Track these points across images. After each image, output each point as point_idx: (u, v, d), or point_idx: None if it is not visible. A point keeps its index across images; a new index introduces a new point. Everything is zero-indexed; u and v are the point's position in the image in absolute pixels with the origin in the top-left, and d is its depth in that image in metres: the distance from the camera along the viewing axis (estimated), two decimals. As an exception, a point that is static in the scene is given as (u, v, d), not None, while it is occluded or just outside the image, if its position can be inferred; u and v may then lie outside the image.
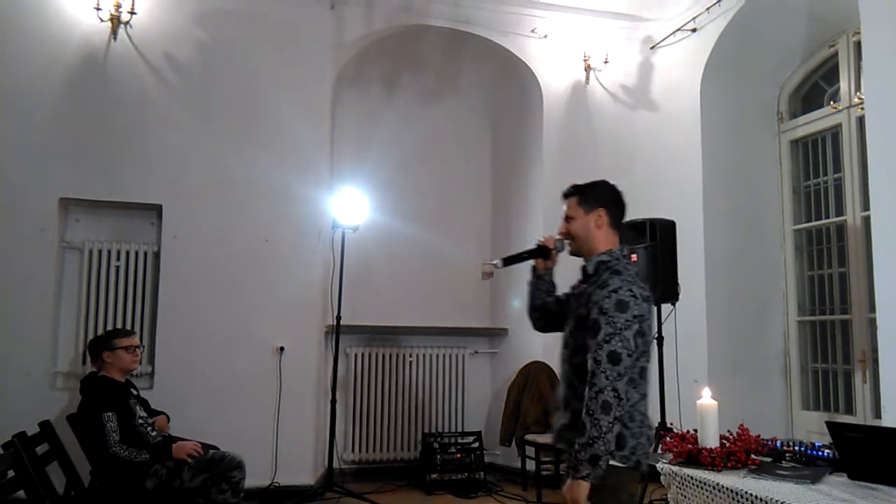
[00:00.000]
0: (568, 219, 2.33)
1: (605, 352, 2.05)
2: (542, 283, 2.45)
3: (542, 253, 2.41)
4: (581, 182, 2.37)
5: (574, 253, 2.35)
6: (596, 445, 2.01)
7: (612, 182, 2.37)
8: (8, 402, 4.26)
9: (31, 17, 4.60)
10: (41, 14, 4.62)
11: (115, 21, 4.65)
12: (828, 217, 5.02)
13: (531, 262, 2.45)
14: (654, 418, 5.03)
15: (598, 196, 2.31)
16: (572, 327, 2.24)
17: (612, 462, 2.08)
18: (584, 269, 2.32)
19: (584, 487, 2.02)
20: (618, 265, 2.22)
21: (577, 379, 2.18)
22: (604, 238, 2.28)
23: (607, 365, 2.04)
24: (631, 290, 2.11)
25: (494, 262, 2.37)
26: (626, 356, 2.05)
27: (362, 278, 5.41)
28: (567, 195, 2.35)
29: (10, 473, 3.18)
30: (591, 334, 2.10)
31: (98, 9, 4.57)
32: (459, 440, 5.26)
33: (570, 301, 2.36)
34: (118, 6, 4.62)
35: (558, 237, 2.38)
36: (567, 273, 2.45)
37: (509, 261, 2.40)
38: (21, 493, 3.26)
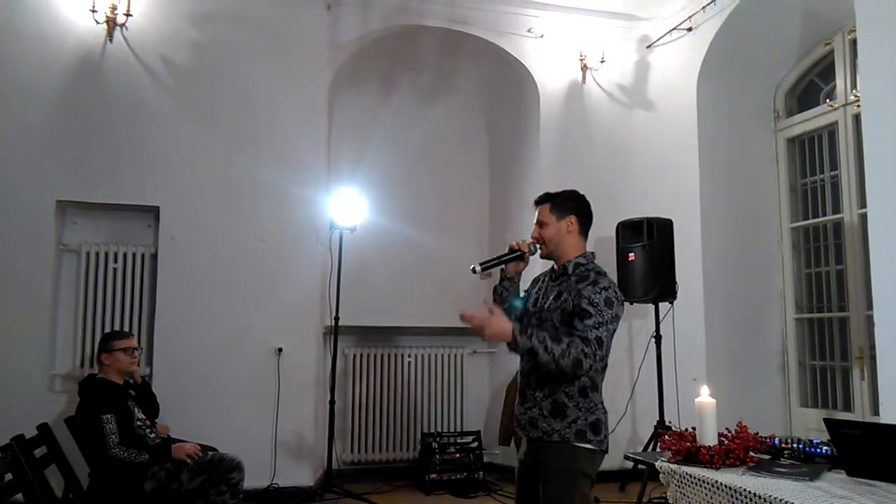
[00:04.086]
0: (541, 224, 2.49)
1: (593, 335, 2.25)
2: (512, 285, 2.61)
3: (518, 256, 2.53)
4: (553, 190, 2.55)
5: (545, 256, 2.53)
6: (543, 353, 2.19)
7: (581, 193, 2.56)
8: (6, 404, 4.25)
9: (27, 19, 4.59)
10: (37, 16, 4.61)
11: (111, 23, 4.64)
12: (825, 215, 5.03)
13: (501, 267, 2.56)
14: (651, 416, 5.06)
15: (569, 205, 2.50)
16: (556, 322, 2.37)
17: (587, 445, 2.32)
18: (553, 269, 2.52)
19: (508, 333, 2.21)
20: (596, 268, 2.43)
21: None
22: (574, 243, 2.48)
23: (595, 345, 2.24)
24: (616, 293, 2.35)
25: (473, 266, 2.46)
26: (607, 344, 2.28)
27: (360, 279, 5.41)
28: (539, 202, 2.53)
29: (9, 476, 3.18)
30: (579, 320, 2.28)
31: (94, 11, 4.56)
32: (458, 440, 5.26)
33: (527, 300, 2.56)
34: (114, 8, 4.62)
35: (531, 241, 2.52)
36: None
37: (486, 266, 2.50)
38: (19, 497, 3.25)
